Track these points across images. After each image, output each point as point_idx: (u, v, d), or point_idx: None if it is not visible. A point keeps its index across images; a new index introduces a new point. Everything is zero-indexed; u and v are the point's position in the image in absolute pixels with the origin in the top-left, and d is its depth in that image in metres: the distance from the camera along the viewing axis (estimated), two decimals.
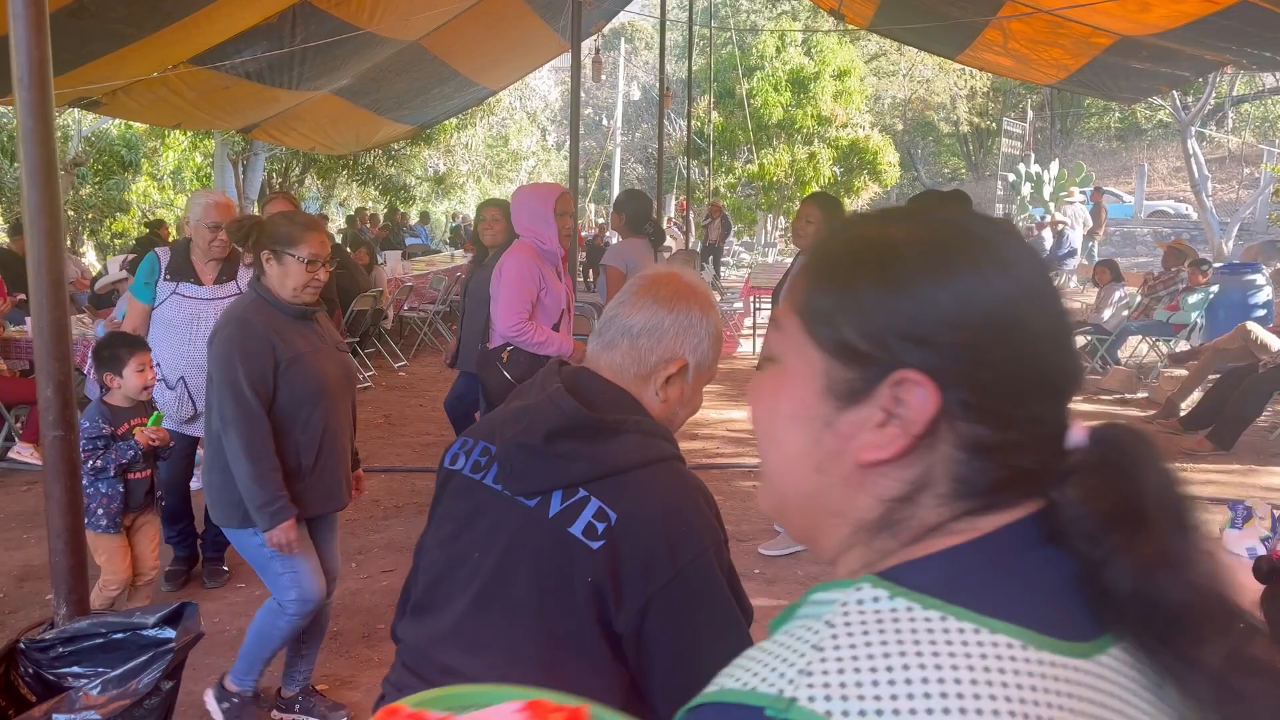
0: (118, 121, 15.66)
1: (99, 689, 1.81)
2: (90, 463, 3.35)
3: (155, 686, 1.84)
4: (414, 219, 21.78)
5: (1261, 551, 2.72)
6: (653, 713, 1.35)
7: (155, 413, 3.56)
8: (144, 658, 1.86)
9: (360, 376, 8.95)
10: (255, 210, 14.86)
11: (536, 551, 1.35)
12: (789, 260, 21.27)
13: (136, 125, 15.61)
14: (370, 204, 22.10)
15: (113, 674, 1.83)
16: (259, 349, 2.80)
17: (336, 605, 4.10)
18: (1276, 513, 2.77)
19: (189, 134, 15.93)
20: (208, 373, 2.89)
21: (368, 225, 17.54)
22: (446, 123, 17.06)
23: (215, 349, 2.83)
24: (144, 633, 1.91)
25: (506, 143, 25.70)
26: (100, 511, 3.42)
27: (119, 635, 1.96)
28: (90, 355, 3.56)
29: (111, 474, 3.40)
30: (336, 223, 20.75)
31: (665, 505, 1.35)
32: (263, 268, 2.87)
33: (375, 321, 9.77)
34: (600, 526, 1.31)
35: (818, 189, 21.35)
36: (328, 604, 3.19)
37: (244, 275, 4.08)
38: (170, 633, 1.92)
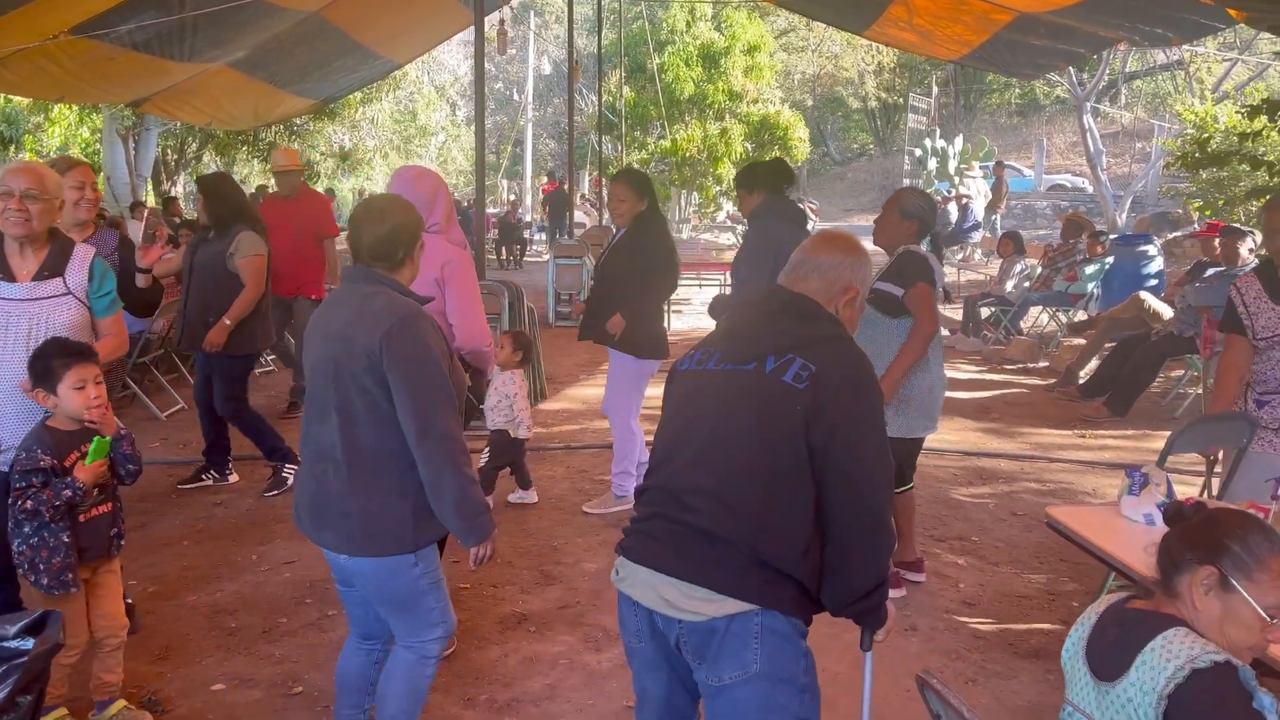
0: None
1: None
2: (18, 503, 2.75)
3: (10, 701, 1.72)
4: None
5: (1159, 518, 2.80)
6: (825, 512, 1.91)
7: (96, 439, 2.84)
8: None
9: (262, 360, 8.67)
10: (148, 189, 14.27)
11: (759, 397, 1.95)
12: (703, 236, 21.34)
13: (17, 99, 14.80)
14: (272, 181, 21.42)
15: None
16: (447, 348, 2.51)
17: (236, 600, 3.97)
18: (1172, 478, 2.86)
19: (75, 108, 15.17)
20: (363, 379, 2.37)
21: None
22: (351, 97, 16.60)
23: (404, 349, 2.35)
24: (3, 644, 1.79)
25: (415, 118, 25.18)
26: (42, 567, 2.77)
27: None
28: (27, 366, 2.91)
29: (47, 518, 2.75)
30: None
31: (847, 362, 1.98)
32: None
33: None
34: (805, 374, 1.92)
35: (732, 164, 21.45)
36: None
37: (76, 271, 3.16)
38: (29, 643, 1.79)
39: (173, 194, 16.71)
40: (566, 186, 18.29)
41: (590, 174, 24.72)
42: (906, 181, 26.80)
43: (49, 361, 2.83)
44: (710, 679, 1.92)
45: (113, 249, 3.96)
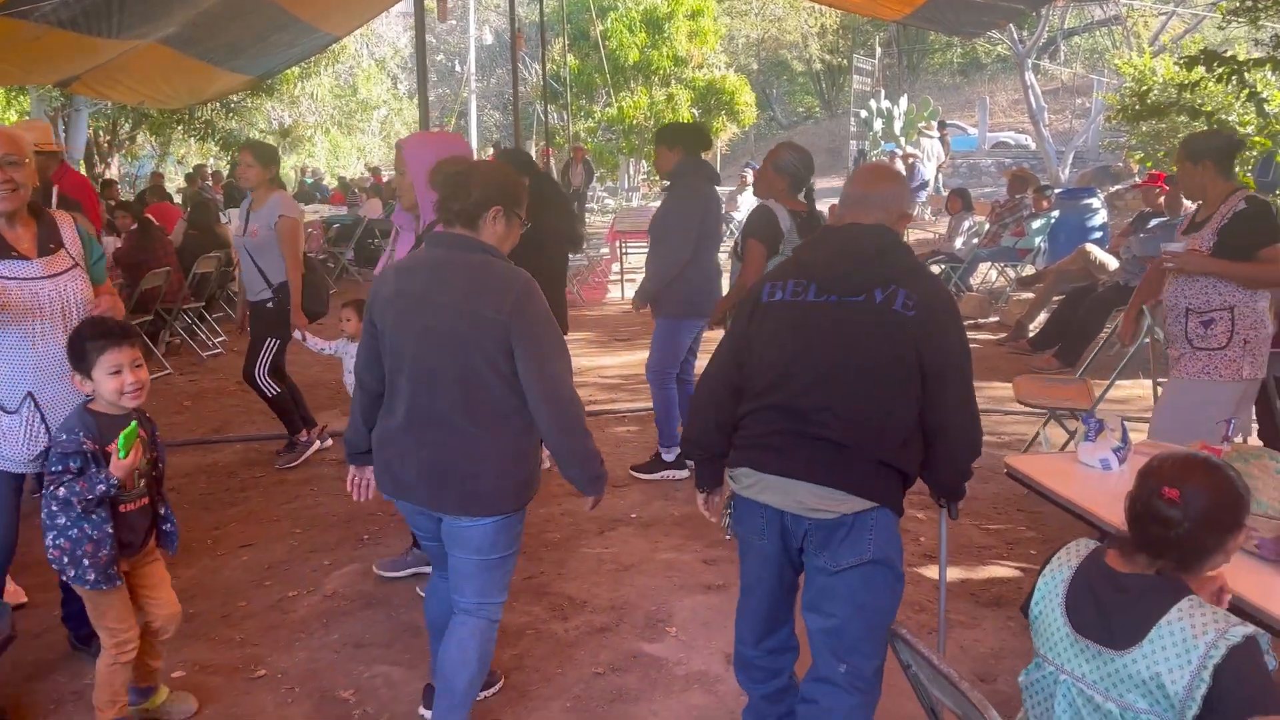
0: None
1: None
2: (51, 489, 2.56)
3: None
4: None
5: (1115, 463, 2.85)
6: (938, 411, 2.28)
7: (130, 426, 2.60)
8: None
9: (210, 342, 8.49)
10: (81, 169, 13.84)
11: (875, 324, 2.25)
12: (654, 205, 21.27)
13: None
14: (212, 161, 20.89)
15: None
16: None
17: (193, 584, 3.89)
18: (1126, 423, 2.90)
19: (1, 91, 14.65)
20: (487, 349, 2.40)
21: (209, 182, 16.57)
22: (289, 73, 16.22)
23: (532, 317, 2.42)
24: None
25: (355, 92, 24.70)
26: (86, 562, 2.59)
27: None
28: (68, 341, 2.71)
29: (79, 511, 2.57)
30: (175, 182, 19.56)
31: (936, 287, 2.35)
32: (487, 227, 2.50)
33: (222, 283, 9.26)
34: (910, 302, 2.25)
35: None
36: None
37: (70, 240, 3.02)
38: None
39: (108, 176, 16.24)
40: None
41: (538, 145, 24.45)
42: (854, 144, 26.91)
43: (84, 343, 2.62)
44: (829, 565, 2.27)
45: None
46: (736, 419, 2.42)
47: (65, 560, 2.61)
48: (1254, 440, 4.50)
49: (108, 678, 2.75)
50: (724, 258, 5.47)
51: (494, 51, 36.19)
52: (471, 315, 2.40)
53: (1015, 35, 19.29)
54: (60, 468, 2.55)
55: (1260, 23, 7.58)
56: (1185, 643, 1.62)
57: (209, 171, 17.78)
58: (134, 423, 2.63)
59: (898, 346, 2.23)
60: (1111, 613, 1.74)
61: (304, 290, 5.07)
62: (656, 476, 5.04)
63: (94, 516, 2.59)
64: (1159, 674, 1.64)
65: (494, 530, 2.52)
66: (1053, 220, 9.52)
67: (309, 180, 21.01)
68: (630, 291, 11.76)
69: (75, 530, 2.59)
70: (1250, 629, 1.63)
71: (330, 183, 21.48)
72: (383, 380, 2.57)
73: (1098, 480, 2.83)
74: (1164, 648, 1.65)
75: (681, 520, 4.48)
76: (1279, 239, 3.53)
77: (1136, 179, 14.99)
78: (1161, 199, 8.08)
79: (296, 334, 5.04)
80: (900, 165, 17.14)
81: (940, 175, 18.26)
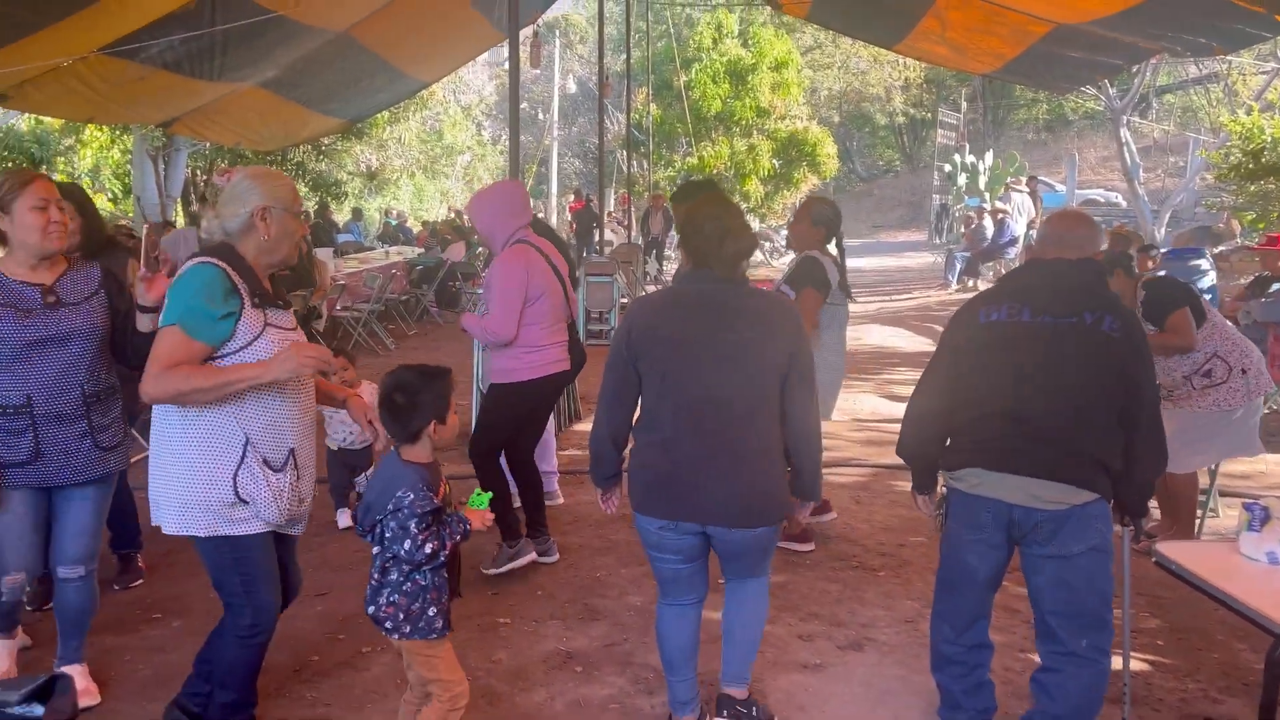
0: (27, 116, 14.86)
1: None
2: (423, 549, 2.51)
3: None
4: (346, 215, 21.17)
5: None
6: (1135, 419, 2.64)
7: (476, 492, 2.74)
8: None
9: None
10: (178, 210, 14.24)
11: (1083, 342, 2.65)
12: None
13: (48, 120, 14.85)
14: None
15: None
16: None
17: None
18: None
19: (106, 130, 15.20)
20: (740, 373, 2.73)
21: None
22: (379, 117, 16.56)
23: (808, 348, 2.84)
24: (6, 711, 1.58)
25: (441, 137, 25.19)
26: (433, 611, 2.60)
27: None
28: (384, 395, 2.64)
29: (442, 560, 2.58)
30: None
31: (1135, 318, 2.72)
32: None
33: (307, 322, 9.33)
34: (1116, 325, 2.64)
35: (759, 181, 21.27)
36: None
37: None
38: (38, 710, 1.59)
39: (201, 213, 16.69)
40: (595, 204, 18.14)
41: (617, 192, 24.59)
42: (936, 198, 26.51)
43: (419, 387, 2.61)
44: (1058, 551, 2.63)
45: (95, 288, 3.15)
46: (952, 427, 2.79)
47: (401, 616, 2.58)
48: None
49: None
50: None
51: (576, 100, 36.73)
52: (761, 343, 2.73)
53: (1110, 91, 18.83)
54: (423, 525, 2.51)
55: None
56: None
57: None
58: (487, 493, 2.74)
59: (1105, 361, 2.62)
60: None
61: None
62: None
63: (439, 566, 2.61)
64: None
65: (768, 532, 2.85)
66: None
67: (393, 222, 21.37)
68: None
69: (409, 584, 2.58)
70: None
71: (414, 225, 21.83)
72: (633, 409, 2.88)
73: (1264, 575, 2.54)
74: None
75: (774, 589, 4.23)
76: None
77: (1239, 240, 14.38)
78: None
79: None
80: (988, 220, 16.77)
81: (1031, 232, 17.80)
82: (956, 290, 16.60)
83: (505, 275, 4.10)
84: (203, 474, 2.59)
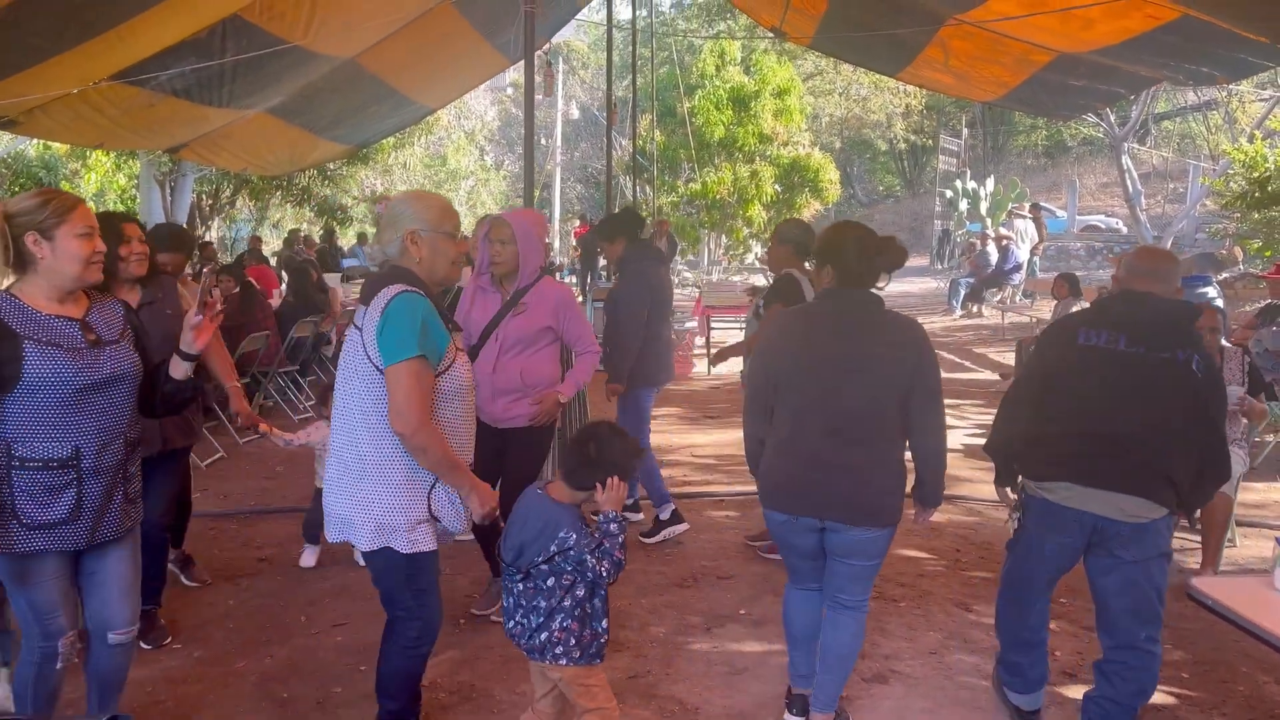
0: (35, 142, 14.92)
1: None
2: (602, 570, 2.65)
3: None
4: (352, 240, 21.22)
5: None
6: (1205, 443, 2.99)
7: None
8: None
9: (303, 406, 8.50)
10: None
11: (1174, 376, 2.96)
12: (735, 279, 21.14)
13: (55, 146, 14.90)
14: (305, 226, 21.44)
15: None
16: None
17: (286, 666, 3.72)
18: None
19: (112, 154, 15.25)
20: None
21: (302, 246, 16.95)
22: (384, 142, 16.62)
23: (932, 356, 3.04)
24: None
25: (445, 162, 25.29)
26: (604, 639, 2.77)
27: None
28: (579, 439, 2.77)
29: (604, 587, 2.74)
30: (272, 245, 20.09)
31: (1210, 356, 3.04)
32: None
33: (316, 348, 9.32)
34: (1199, 364, 2.97)
35: (762, 207, 21.32)
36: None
37: None
38: None
39: (207, 239, 16.71)
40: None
41: None
42: (938, 224, 26.58)
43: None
44: (1136, 556, 2.98)
45: (123, 324, 2.82)
46: (1040, 435, 3.09)
47: (572, 641, 2.69)
48: None
49: None
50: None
51: (579, 126, 36.89)
52: (890, 356, 2.95)
53: (1110, 118, 18.93)
54: (593, 560, 2.63)
55: None
56: None
57: (302, 236, 18.22)
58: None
59: (1191, 398, 2.94)
60: None
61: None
62: (659, 538, 5.15)
63: (601, 592, 2.74)
64: None
65: (885, 534, 3.01)
66: None
67: None
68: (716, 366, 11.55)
69: (579, 610, 2.69)
70: None
71: None
72: (770, 414, 3.09)
73: None
74: None
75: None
76: None
77: (1242, 266, 14.42)
78: None
79: (260, 431, 4.55)
80: (991, 246, 16.80)
81: (1035, 258, 17.85)
82: (961, 316, 16.58)
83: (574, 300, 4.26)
84: (405, 493, 2.71)
